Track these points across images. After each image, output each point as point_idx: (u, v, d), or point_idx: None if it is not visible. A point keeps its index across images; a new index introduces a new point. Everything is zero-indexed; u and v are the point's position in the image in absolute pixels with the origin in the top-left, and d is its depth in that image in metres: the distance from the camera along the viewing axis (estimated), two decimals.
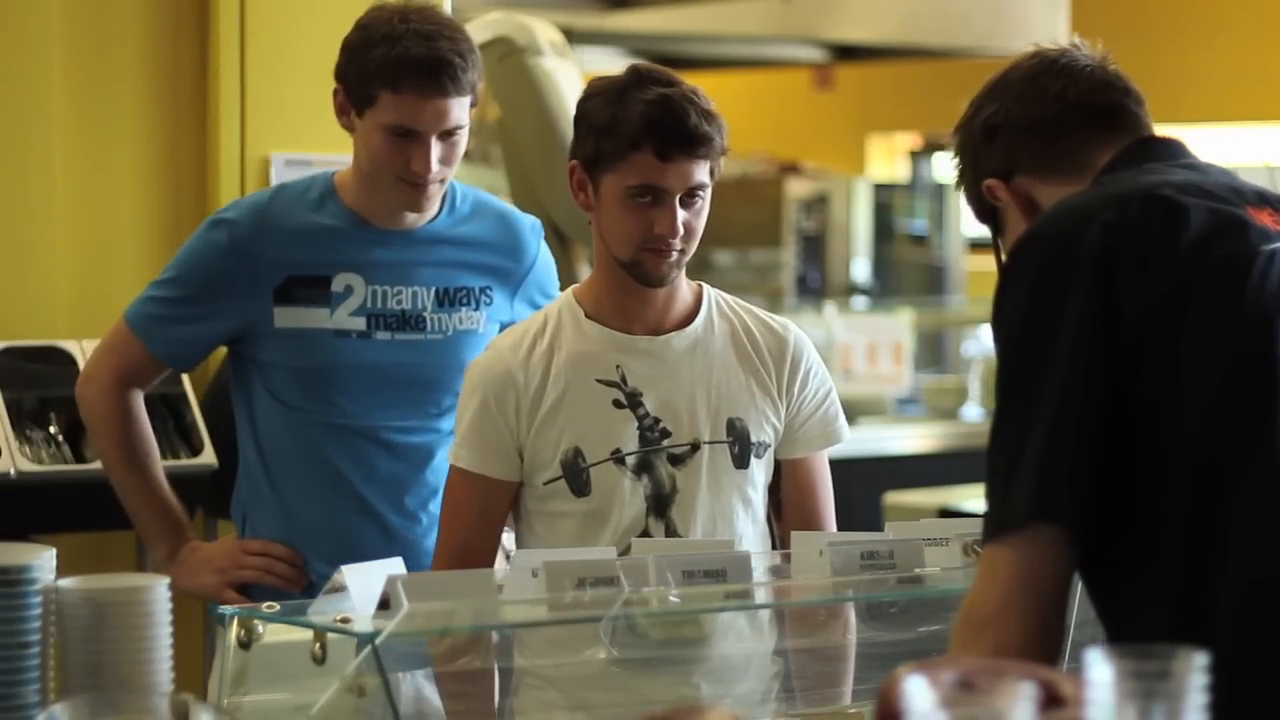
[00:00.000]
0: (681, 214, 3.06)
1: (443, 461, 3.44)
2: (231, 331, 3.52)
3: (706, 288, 3.24)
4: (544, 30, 6.02)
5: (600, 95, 3.09)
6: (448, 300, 3.50)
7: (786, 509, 3.26)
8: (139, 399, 3.59)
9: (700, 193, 3.08)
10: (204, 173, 4.43)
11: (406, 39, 3.32)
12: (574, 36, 6.91)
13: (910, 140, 13.93)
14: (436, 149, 3.35)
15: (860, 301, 10.08)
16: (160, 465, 3.61)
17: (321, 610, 2.65)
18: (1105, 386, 2.09)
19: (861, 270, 10.59)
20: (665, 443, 3.12)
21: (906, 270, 10.83)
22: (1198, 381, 2.10)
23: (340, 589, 2.66)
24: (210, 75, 4.42)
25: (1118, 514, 2.11)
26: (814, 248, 10.63)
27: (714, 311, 3.21)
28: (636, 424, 3.12)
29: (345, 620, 2.59)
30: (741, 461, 3.14)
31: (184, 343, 3.55)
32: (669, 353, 3.15)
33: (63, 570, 2.49)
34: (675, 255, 3.09)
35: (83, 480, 3.95)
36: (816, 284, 10.46)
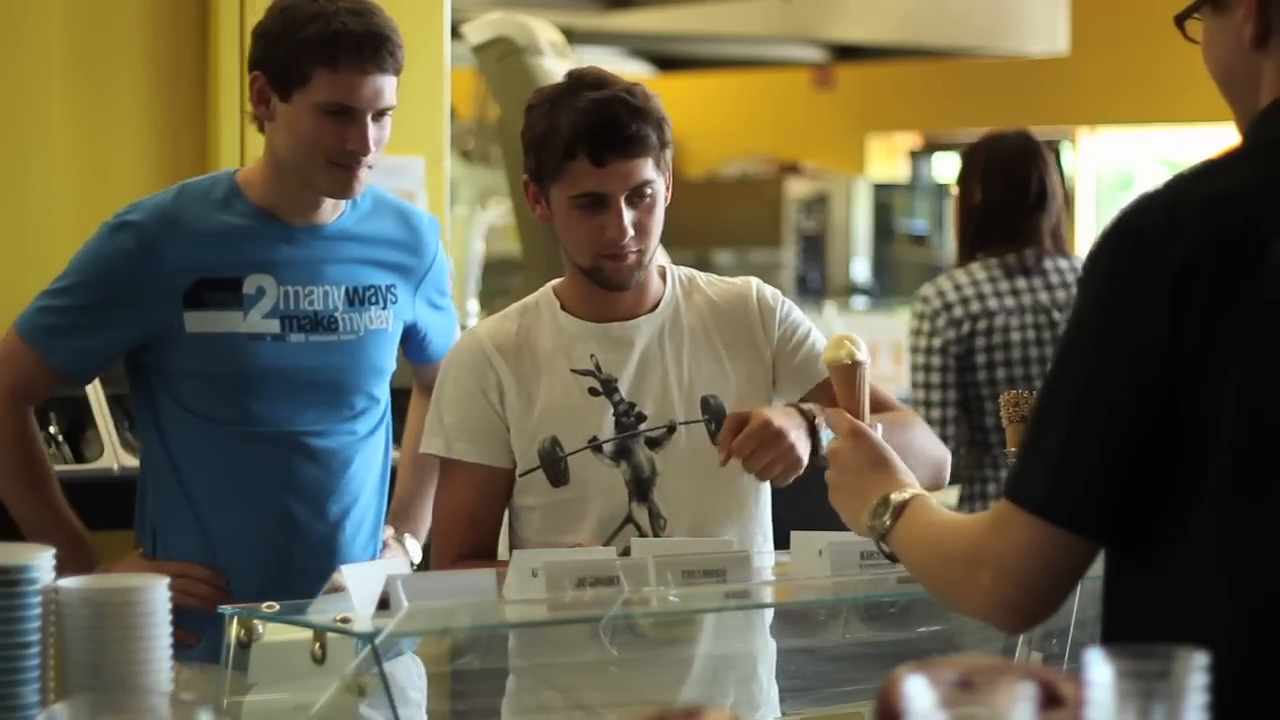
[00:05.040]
0: (630, 214, 3.04)
1: (360, 468, 3.37)
2: (138, 339, 3.32)
3: (670, 268, 3.22)
4: (544, 30, 6.03)
5: (537, 107, 3.09)
6: (357, 299, 3.37)
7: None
8: (32, 416, 3.39)
9: (647, 190, 3.05)
10: (203, 173, 4.43)
11: (340, 16, 3.21)
12: (574, 36, 6.92)
13: (910, 140, 13.93)
14: (371, 129, 3.24)
15: (860, 301, 10.09)
16: (57, 483, 3.39)
17: (321, 610, 2.65)
18: (1153, 411, 2.06)
19: (861, 270, 10.60)
20: (641, 427, 3.11)
21: (906, 270, 10.84)
22: (1249, 410, 2.06)
23: (340, 589, 2.66)
24: (210, 75, 4.43)
25: (1146, 518, 2.10)
26: (814, 248, 10.64)
27: (679, 290, 3.19)
28: (612, 410, 3.11)
29: (345, 620, 2.59)
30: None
31: (85, 353, 3.34)
32: (639, 337, 3.14)
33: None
34: (633, 257, 3.07)
35: (83, 480, 3.95)
36: (816, 284, 10.47)
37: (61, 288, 3.37)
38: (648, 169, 3.05)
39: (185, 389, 3.31)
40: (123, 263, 3.29)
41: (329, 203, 3.35)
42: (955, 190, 5.46)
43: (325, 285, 3.34)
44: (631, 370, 3.13)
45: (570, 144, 3.01)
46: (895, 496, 2.37)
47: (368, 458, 3.38)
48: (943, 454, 3.18)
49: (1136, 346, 2.07)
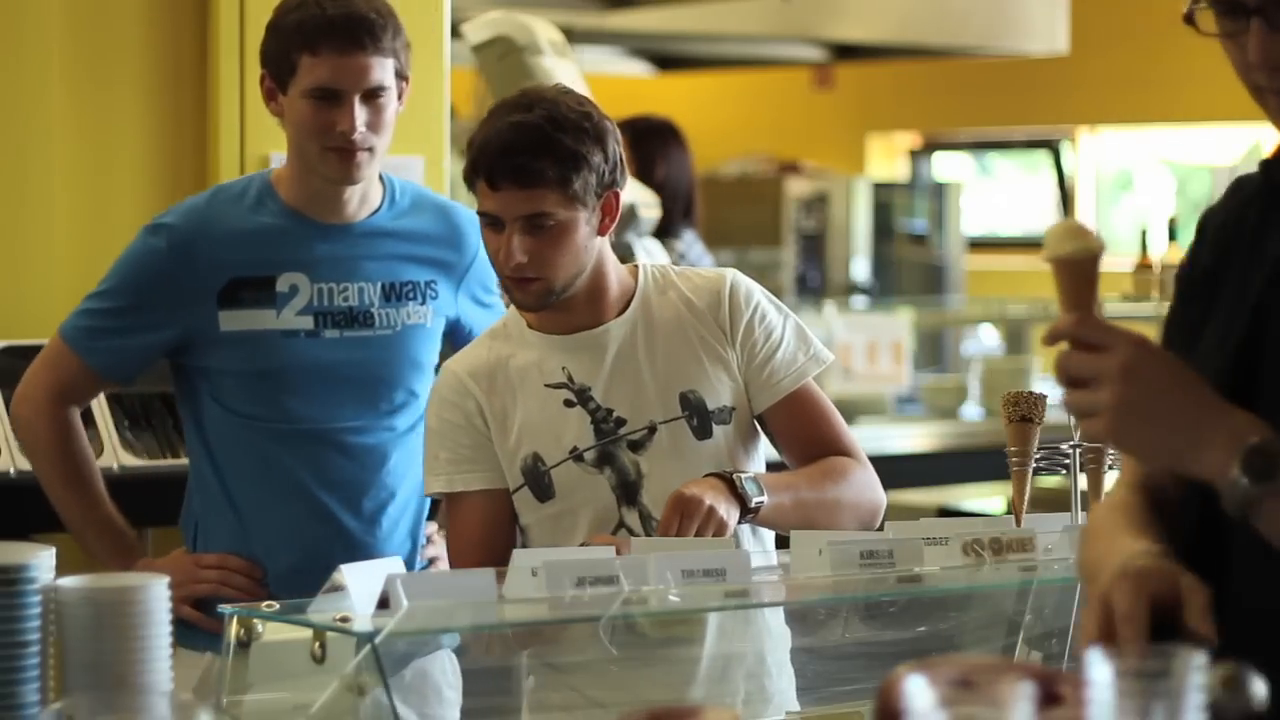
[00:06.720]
0: (526, 240, 3.01)
1: (398, 463, 3.40)
2: (174, 340, 3.40)
3: (643, 266, 3.20)
4: (544, 30, 6.02)
5: (486, 117, 3.08)
6: (394, 295, 3.42)
7: (790, 454, 3.19)
8: (76, 416, 3.47)
9: (546, 220, 3.01)
10: (204, 173, 4.44)
11: (321, 3, 3.29)
12: (574, 36, 6.91)
13: (910, 139, 13.92)
14: (361, 112, 3.28)
15: (860, 301, 10.07)
16: (101, 481, 3.49)
17: (321, 609, 2.65)
18: None
19: (861, 270, 10.59)
20: (621, 431, 3.11)
21: (906, 269, 10.83)
22: None
23: (339, 588, 2.66)
24: (210, 75, 4.43)
25: None
26: (814, 247, 10.63)
27: (651, 289, 3.17)
28: (590, 419, 3.11)
29: (345, 619, 2.59)
30: (703, 433, 3.12)
31: (123, 354, 3.42)
32: (609, 342, 3.13)
33: (62, 570, 2.49)
34: (536, 285, 3.04)
35: None
36: (816, 283, 10.46)
37: (100, 291, 3.44)
38: (546, 201, 3.00)
39: (224, 387, 3.39)
40: (156, 264, 3.37)
41: (357, 199, 3.42)
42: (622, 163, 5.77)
43: (360, 282, 3.40)
44: (605, 376, 3.12)
45: (474, 162, 3.03)
46: (1273, 445, 1.93)
47: (407, 453, 3.42)
48: (879, 501, 3.19)
49: None
